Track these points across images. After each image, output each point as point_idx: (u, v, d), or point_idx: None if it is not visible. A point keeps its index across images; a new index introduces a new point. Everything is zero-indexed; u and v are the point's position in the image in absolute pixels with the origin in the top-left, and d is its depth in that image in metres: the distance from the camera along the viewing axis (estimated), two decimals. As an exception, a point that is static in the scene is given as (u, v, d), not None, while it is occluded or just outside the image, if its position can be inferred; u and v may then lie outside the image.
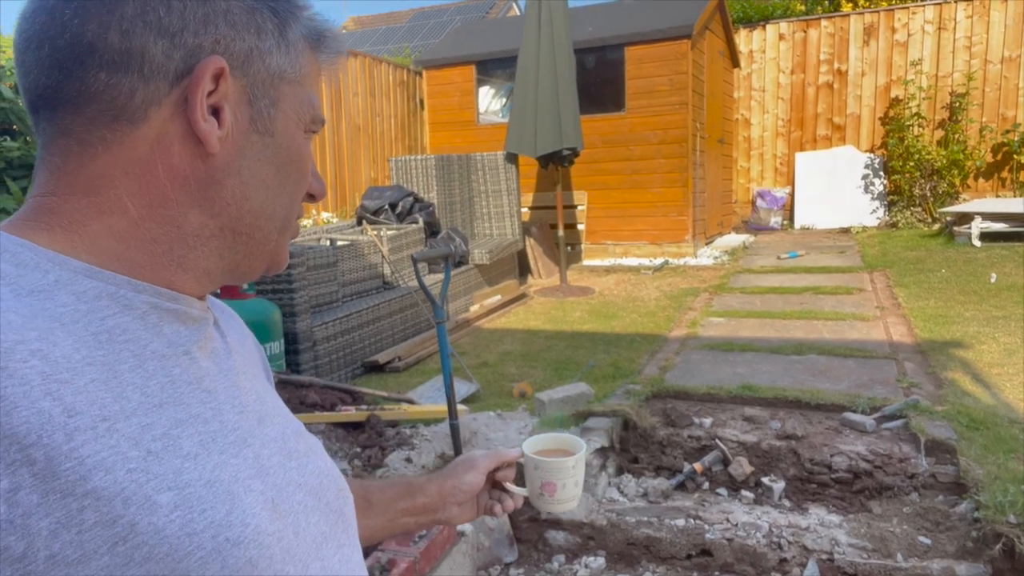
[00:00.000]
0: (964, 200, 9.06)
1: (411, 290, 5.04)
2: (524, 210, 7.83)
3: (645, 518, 2.84)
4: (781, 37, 10.51)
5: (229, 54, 0.58)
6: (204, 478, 0.52)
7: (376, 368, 4.42)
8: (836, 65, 10.21)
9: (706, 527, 2.75)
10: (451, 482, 0.98)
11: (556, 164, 6.55)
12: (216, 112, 0.58)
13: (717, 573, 2.65)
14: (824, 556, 2.55)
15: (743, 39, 10.63)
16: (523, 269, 7.26)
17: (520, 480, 1.04)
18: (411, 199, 6.11)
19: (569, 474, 1.00)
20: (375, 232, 5.24)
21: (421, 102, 9.52)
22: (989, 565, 2.36)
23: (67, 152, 0.57)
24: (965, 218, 7.83)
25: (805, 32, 10.36)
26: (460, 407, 3.11)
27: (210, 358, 0.61)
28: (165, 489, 0.49)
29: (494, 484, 1.03)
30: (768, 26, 10.58)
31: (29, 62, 0.57)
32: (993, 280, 5.93)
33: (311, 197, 0.69)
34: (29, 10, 0.57)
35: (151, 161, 0.57)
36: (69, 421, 0.46)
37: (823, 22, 10.25)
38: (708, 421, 3.39)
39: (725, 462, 3.11)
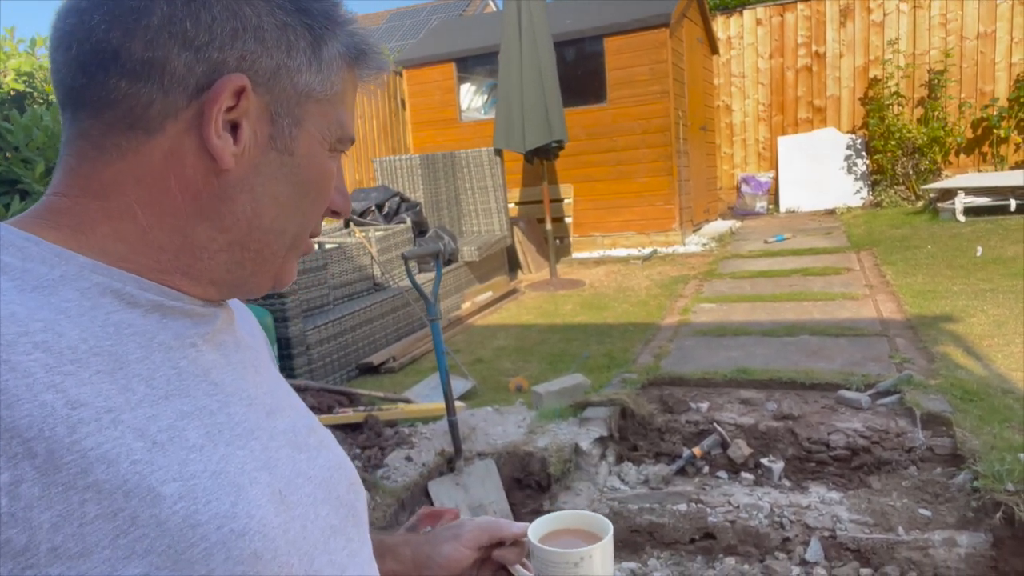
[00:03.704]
0: (946, 176, 9.12)
1: (402, 290, 5.03)
2: (511, 205, 7.82)
3: (647, 505, 2.85)
4: (758, 22, 10.54)
5: (254, 71, 0.57)
6: (210, 469, 0.52)
7: (371, 369, 4.41)
8: (814, 48, 10.25)
9: (708, 511, 2.76)
10: (426, 551, 0.83)
11: (542, 158, 6.55)
12: (235, 128, 0.57)
13: (721, 555, 2.66)
14: (826, 533, 2.57)
15: (720, 25, 10.66)
16: (512, 264, 7.26)
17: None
18: (397, 199, 6.10)
19: (570, 572, 0.74)
20: (363, 234, 5.22)
21: (402, 102, 9.49)
22: (990, 533, 2.39)
23: (83, 155, 0.57)
24: (948, 194, 7.89)
25: (782, 16, 10.40)
26: (458, 404, 3.10)
27: (218, 350, 0.61)
28: (170, 480, 0.49)
29: (500, 566, 0.84)
30: (745, 12, 10.61)
31: (58, 60, 0.57)
32: (979, 254, 5.98)
33: (335, 214, 0.68)
34: (63, 9, 0.57)
35: (163, 172, 0.56)
36: (72, 413, 0.46)
37: (799, 5, 10.29)
38: (705, 406, 3.41)
39: (724, 445, 3.12)
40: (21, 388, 0.45)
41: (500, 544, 0.84)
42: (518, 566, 0.82)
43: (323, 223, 0.70)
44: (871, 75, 9.93)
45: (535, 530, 0.80)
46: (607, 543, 0.75)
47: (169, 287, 0.58)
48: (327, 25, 0.61)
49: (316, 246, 4.91)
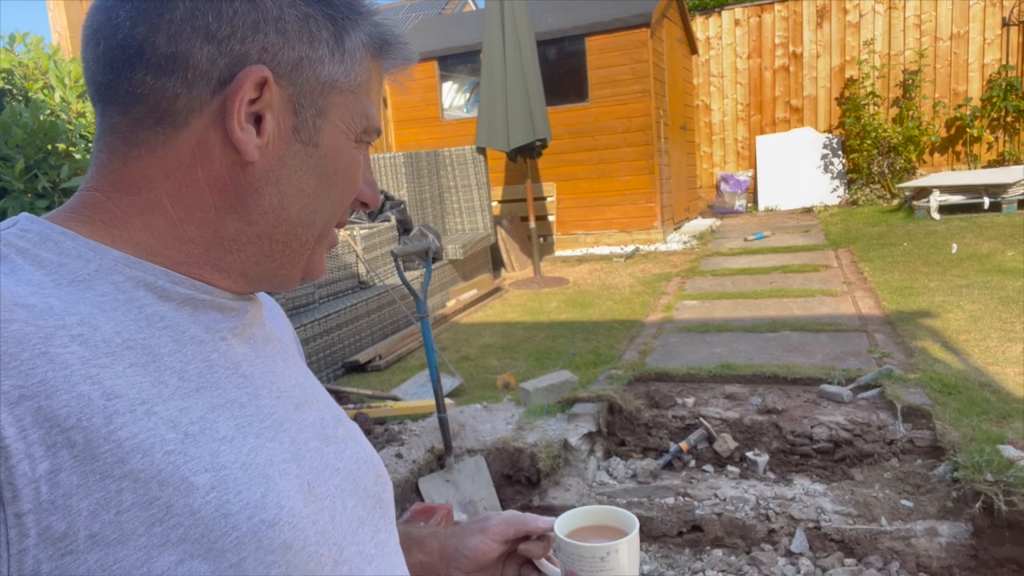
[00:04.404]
0: (921, 175, 9.28)
1: (388, 288, 5.03)
2: (494, 204, 7.84)
3: (636, 499, 2.88)
4: (736, 23, 10.64)
5: (276, 62, 0.57)
6: (240, 461, 0.54)
7: (358, 368, 4.41)
8: (791, 48, 10.37)
9: (695, 504, 2.80)
10: (453, 543, 0.83)
11: (525, 156, 6.58)
12: (258, 120, 0.58)
13: (709, 547, 2.70)
14: (811, 524, 2.62)
15: (699, 26, 10.75)
16: (496, 263, 7.28)
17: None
18: (381, 197, 6.08)
19: (597, 566, 0.75)
20: (348, 232, 5.21)
21: (384, 100, 9.46)
22: (970, 523, 2.45)
23: (113, 150, 0.58)
24: (923, 192, 8.02)
25: (760, 17, 10.51)
26: (446, 401, 3.12)
27: (248, 344, 0.63)
28: (202, 471, 0.51)
29: (526, 559, 0.85)
30: (723, 12, 10.71)
31: (88, 57, 0.58)
32: (954, 251, 6.10)
33: (363, 205, 0.69)
34: (93, 6, 0.58)
35: (191, 166, 0.57)
36: (108, 404, 0.48)
37: (777, 6, 10.40)
38: (691, 400, 3.45)
39: (710, 439, 3.17)
40: (59, 379, 0.46)
41: (526, 538, 0.84)
42: (544, 560, 0.83)
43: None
44: (847, 75, 10.07)
45: (562, 525, 0.80)
46: (633, 538, 0.76)
47: (200, 280, 0.59)
48: (349, 15, 0.61)
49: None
